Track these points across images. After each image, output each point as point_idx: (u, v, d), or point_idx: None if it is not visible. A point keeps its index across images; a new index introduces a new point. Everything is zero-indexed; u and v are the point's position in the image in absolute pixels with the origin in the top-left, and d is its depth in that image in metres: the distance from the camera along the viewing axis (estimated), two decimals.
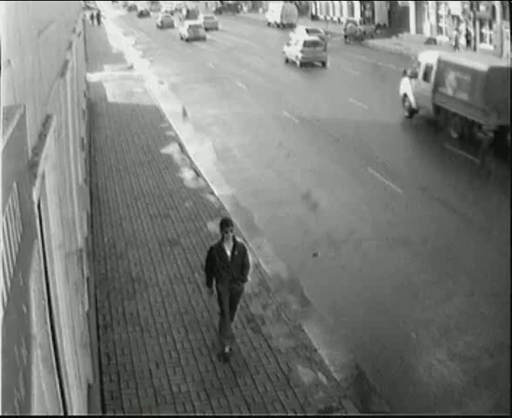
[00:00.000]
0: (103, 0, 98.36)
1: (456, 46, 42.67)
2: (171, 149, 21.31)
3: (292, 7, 69.75)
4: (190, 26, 56.86)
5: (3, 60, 3.37)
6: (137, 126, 24.74)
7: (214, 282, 9.38)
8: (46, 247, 5.06)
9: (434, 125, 23.58)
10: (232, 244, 9.19)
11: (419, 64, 24.90)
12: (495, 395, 8.84)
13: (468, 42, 42.46)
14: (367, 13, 62.73)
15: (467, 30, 43.42)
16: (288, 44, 42.50)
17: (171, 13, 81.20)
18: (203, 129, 24.37)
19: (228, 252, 9.16)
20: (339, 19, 68.60)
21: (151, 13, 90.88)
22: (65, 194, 7.43)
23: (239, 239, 9.53)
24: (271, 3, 74.11)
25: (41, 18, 6.47)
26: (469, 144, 20.77)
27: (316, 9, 76.51)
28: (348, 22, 57.46)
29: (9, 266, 2.85)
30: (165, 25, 68.97)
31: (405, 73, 25.76)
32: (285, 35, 53.59)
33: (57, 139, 6.26)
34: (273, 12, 70.16)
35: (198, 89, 33.00)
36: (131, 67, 41.11)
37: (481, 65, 21.17)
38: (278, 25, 67.69)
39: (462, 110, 21.40)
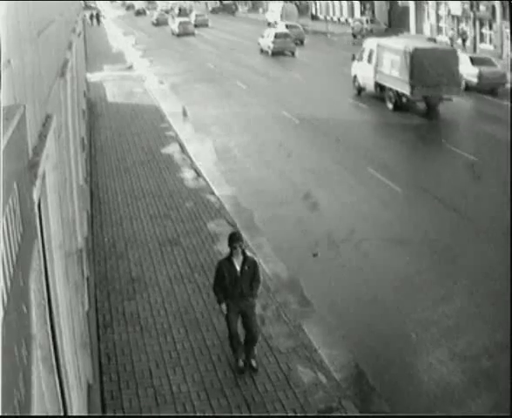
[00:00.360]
0: (102, 0, 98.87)
1: (452, 45, 42.66)
2: (172, 149, 21.31)
3: (292, 7, 69.72)
4: (180, 23, 61.35)
5: (3, 60, 3.37)
6: (137, 126, 24.74)
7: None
8: (46, 247, 5.06)
9: (435, 125, 23.64)
10: (241, 258, 8.85)
11: (364, 49, 29.93)
12: (495, 395, 8.84)
13: (464, 41, 43.16)
14: (367, 13, 62.73)
15: (462, 29, 44.37)
16: (262, 36, 47.42)
17: (167, 12, 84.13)
18: (203, 129, 24.37)
19: (237, 267, 8.81)
20: (339, 19, 68.59)
21: (148, 12, 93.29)
22: (66, 194, 7.43)
23: (249, 254, 9.22)
24: (271, 3, 74.14)
25: (41, 18, 6.47)
26: (404, 112, 25.95)
27: (316, 9, 76.49)
28: (355, 21, 58.59)
29: (9, 266, 2.85)
30: (160, 23, 72.25)
31: (354, 58, 30.73)
32: None
33: (57, 139, 6.26)
34: (273, 12, 70.19)
35: (197, 89, 33.01)
36: (130, 67, 41.13)
37: (408, 47, 25.90)
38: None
39: (395, 84, 26.40)
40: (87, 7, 68.51)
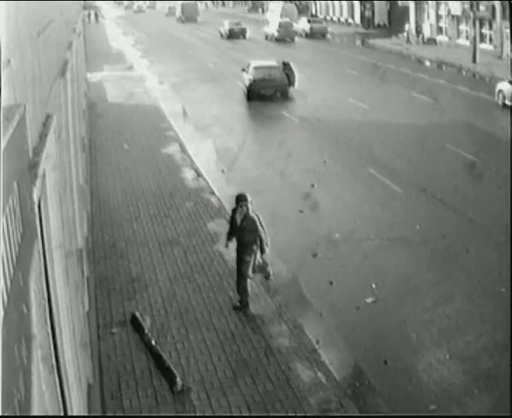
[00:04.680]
0: (101, 0, 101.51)
1: (408, 38, 50.63)
2: (172, 149, 21.31)
3: (292, 7, 69.65)
4: (137, 6, 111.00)
5: (3, 60, 3.37)
6: (137, 126, 24.74)
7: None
8: (46, 247, 5.06)
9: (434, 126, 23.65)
10: (242, 216, 10.76)
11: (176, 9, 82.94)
12: (495, 395, 8.84)
13: (418, 33, 50.88)
14: (367, 13, 62.70)
15: (416, 22, 51.84)
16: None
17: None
18: (203, 129, 24.37)
19: (238, 221, 10.83)
20: (339, 19, 68.56)
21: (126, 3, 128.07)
22: (66, 194, 7.43)
23: (251, 214, 10.77)
24: (270, 3, 74.10)
25: (41, 18, 6.47)
26: None
27: (316, 9, 76.46)
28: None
29: (9, 266, 2.85)
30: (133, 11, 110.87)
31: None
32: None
33: (57, 139, 6.26)
34: (273, 12, 70.11)
35: (197, 88, 33.00)
36: (130, 67, 41.12)
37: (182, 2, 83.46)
38: None
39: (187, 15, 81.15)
40: (87, 7, 68.68)
